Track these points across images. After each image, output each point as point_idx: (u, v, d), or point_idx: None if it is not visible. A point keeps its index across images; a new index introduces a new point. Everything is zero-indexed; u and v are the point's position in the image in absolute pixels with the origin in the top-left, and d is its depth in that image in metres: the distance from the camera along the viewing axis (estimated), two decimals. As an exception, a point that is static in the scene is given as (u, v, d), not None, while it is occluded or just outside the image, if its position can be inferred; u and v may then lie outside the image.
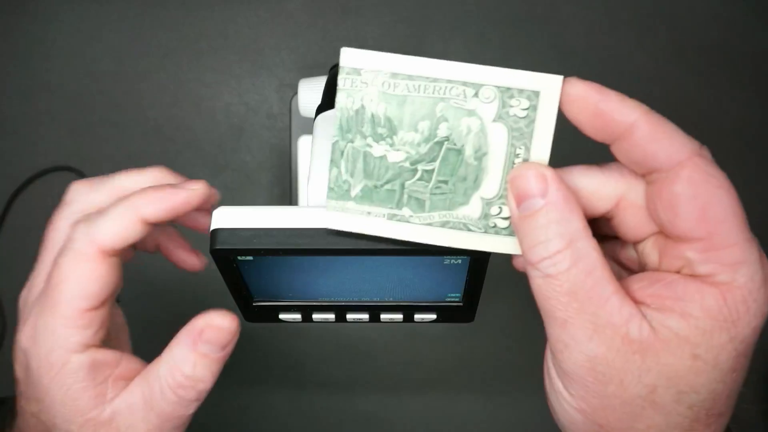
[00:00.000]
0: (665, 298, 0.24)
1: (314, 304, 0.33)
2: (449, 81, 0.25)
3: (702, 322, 0.23)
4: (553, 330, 0.24)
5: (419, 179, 0.26)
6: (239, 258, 0.29)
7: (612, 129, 0.24)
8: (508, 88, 0.25)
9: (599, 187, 0.26)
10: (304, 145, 0.53)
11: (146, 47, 0.55)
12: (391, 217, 0.27)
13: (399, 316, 0.34)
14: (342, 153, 0.26)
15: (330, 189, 0.26)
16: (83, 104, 0.56)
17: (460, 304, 0.33)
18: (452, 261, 0.29)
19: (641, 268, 0.26)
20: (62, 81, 0.55)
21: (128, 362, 0.29)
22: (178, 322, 0.59)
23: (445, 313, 0.34)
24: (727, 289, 0.23)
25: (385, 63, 0.25)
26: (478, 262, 0.29)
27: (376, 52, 0.25)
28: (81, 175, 0.55)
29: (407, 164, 0.26)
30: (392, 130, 0.25)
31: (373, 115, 0.25)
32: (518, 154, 0.25)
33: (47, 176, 0.55)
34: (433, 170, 0.26)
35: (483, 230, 0.27)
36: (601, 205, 0.26)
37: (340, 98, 0.25)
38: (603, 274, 0.23)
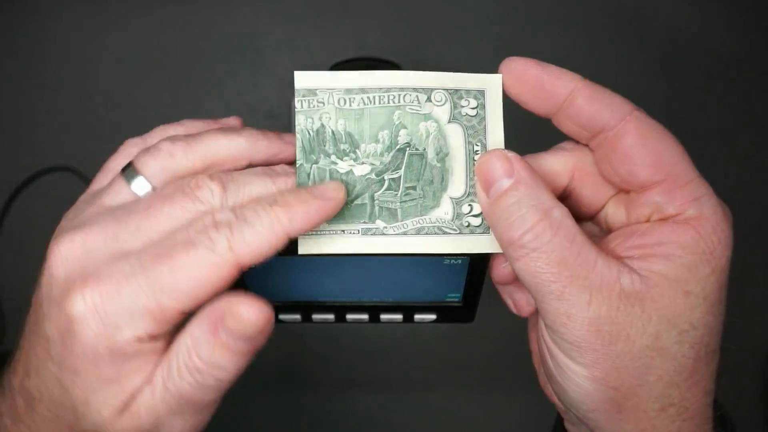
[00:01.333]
0: (645, 246, 0.25)
1: (314, 304, 0.33)
2: (401, 89, 0.26)
3: (685, 259, 0.24)
4: (550, 305, 0.24)
5: (387, 189, 0.26)
6: None
7: (555, 98, 0.26)
8: (456, 90, 0.26)
9: (552, 165, 0.27)
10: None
11: (146, 47, 0.55)
12: (366, 231, 0.27)
13: (399, 317, 0.34)
14: (308, 175, 0.26)
15: None
16: (83, 104, 0.55)
17: (460, 304, 0.33)
18: (452, 261, 0.29)
19: (606, 235, 0.27)
20: (62, 81, 0.55)
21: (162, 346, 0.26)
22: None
23: (445, 314, 0.34)
24: (698, 222, 0.25)
25: (338, 81, 0.26)
26: (478, 262, 0.29)
27: (329, 71, 0.26)
28: (80, 175, 0.55)
29: (374, 176, 0.26)
30: (354, 144, 0.26)
31: (333, 133, 0.26)
32: (476, 151, 0.27)
33: (46, 176, 0.55)
34: (399, 178, 0.26)
35: (458, 231, 0.27)
36: (558, 181, 0.27)
37: (299, 120, 0.26)
38: (583, 238, 0.24)
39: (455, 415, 0.53)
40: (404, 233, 0.27)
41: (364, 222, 0.26)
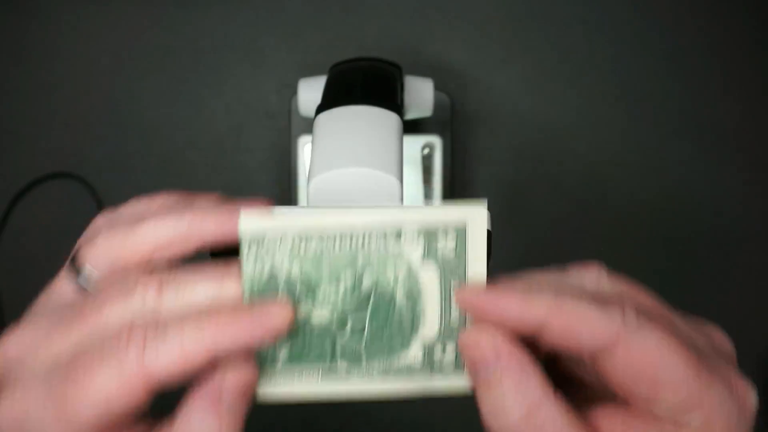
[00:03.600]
0: None
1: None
2: (366, 229, 0.23)
3: None
4: None
5: (351, 332, 0.24)
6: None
7: (525, 330, 0.23)
8: (431, 230, 0.24)
9: (529, 308, 0.23)
10: (304, 144, 0.53)
11: (146, 47, 0.55)
12: (326, 374, 0.24)
13: None
14: None
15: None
16: (83, 104, 0.55)
17: None
18: None
19: (597, 373, 0.24)
20: (62, 81, 0.55)
21: None
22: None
23: None
24: (699, 425, 0.22)
25: (290, 224, 0.23)
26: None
27: (279, 211, 0.23)
28: (82, 181, 0.55)
29: (335, 319, 0.24)
30: (311, 287, 0.24)
31: (287, 279, 0.23)
32: (453, 287, 0.24)
33: (48, 182, 0.55)
34: (364, 321, 0.24)
35: (429, 371, 0.25)
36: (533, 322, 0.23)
37: (246, 269, 0.23)
38: (572, 418, 0.22)
39: (456, 414, 0.53)
40: (369, 377, 0.24)
41: (324, 362, 0.24)
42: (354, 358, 0.24)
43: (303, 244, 0.24)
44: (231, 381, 0.22)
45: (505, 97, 0.55)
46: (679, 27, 0.55)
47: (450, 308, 0.24)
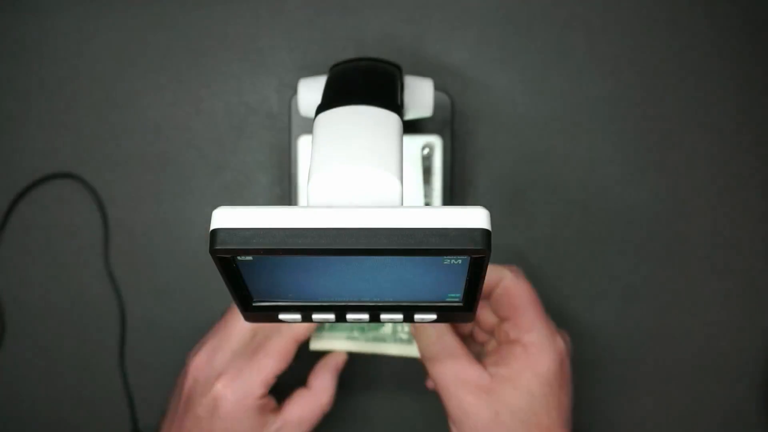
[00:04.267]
0: (498, 358, 0.42)
1: (314, 304, 0.33)
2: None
3: (515, 366, 0.40)
4: (444, 393, 0.42)
5: (360, 326, 0.49)
6: (239, 258, 0.29)
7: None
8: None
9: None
10: (304, 144, 0.53)
11: (146, 47, 0.55)
12: (348, 337, 0.49)
13: (399, 316, 0.34)
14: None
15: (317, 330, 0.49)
16: (82, 104, 0.56)
17: (460, 304, 0.33)
18: (452, 261, 0.29)
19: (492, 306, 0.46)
20: (62, 81, 0.55)
21: (272, 402, 0.46)
22: (179, 320, 0.59)
23: (445, 313, 0.34)
24: (528, 344, 0.41)
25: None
26: (478, 262, 0.29)
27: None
28: (82, 181, 0.55)
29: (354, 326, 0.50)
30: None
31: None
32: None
33: (49, 182, 0.56)
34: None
35: (394, 341, 0.49)
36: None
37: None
38: (461, 349, 0.42)
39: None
40: (368, 340, 0.49)
41: (347, 333, 0.49)
42: (361, 332, 0.49)
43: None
44: (337, 358, 0.49)
45: (505, 97, 0.55)
46: (679, 27, 0.55)
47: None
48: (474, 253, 0.28)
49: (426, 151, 0.52)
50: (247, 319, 0.34)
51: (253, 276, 0.31)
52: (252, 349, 0.44)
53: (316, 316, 0.34)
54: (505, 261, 0.50)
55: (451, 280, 0.31)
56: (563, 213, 0.56)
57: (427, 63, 0.55)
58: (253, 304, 0.33)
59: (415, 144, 0.52)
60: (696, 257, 0.56)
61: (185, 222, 0.56)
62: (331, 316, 0.34)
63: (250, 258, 0.29)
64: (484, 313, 0.46)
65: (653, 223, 0.56)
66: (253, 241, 0.27)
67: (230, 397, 0.43)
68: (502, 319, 0.43)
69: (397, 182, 0.31)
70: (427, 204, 0.53)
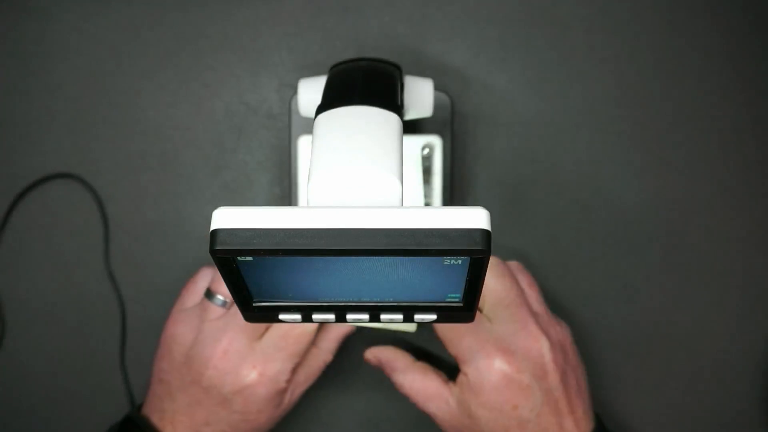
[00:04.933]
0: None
1: (314, 304, 0.33)
2: None
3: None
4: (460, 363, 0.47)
5: None
6: (239, 258, 0.29)
7: None
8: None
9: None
10: (304, 145, 0.53)
11: (146, 47, 0.55)
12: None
13: (399, 316, 0.34)
14: None
15: None
16: (82, 104, 0.56)
17: (461, 304, 0.33)
18: (452, 261, 0.29)
19: None
20: (62, 81, 0.55)
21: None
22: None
23: (446, 314, 0.34)
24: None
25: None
26: (477, 262, 0.29)
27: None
28: (82, 181, 0.55)
29: None
30: None
31: None
32: None
33: (49, 182, 0.56)
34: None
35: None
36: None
37: None
38: (430, 375, 0.49)
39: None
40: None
41: None
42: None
43: None
44: (347, 328, 0.52)
45: (505, 97, 0.55)
46: (679, 27, 0.55)
47: None
48: (474, 253, 0.28)
49: (426, 151, 0.52)
50: (248, 319, 0.34)
51: (253, 276, 0.31)
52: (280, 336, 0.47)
53: (316, 316, 0.34)
54: (505, 259, 0.50)
55: (452, 280, 0.31)
56: (563, 213, 0.56)
57: (427, 63, 0.55)
58: (254, 304, 0.33)
59: (415, 144, 0.52)
60: (696, 257, 0.56)
61: (185, 222, 0.56)
62: (331, 316, 0.34)
63: (250, 258, 0.29)
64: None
65: (653, 223, 0.56)
66: (253, 242, 0.27)
67: (266, 384, 0.46)
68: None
69: (397, 182, 0.31)
70: (427, 204, 0.53)
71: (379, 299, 0.33)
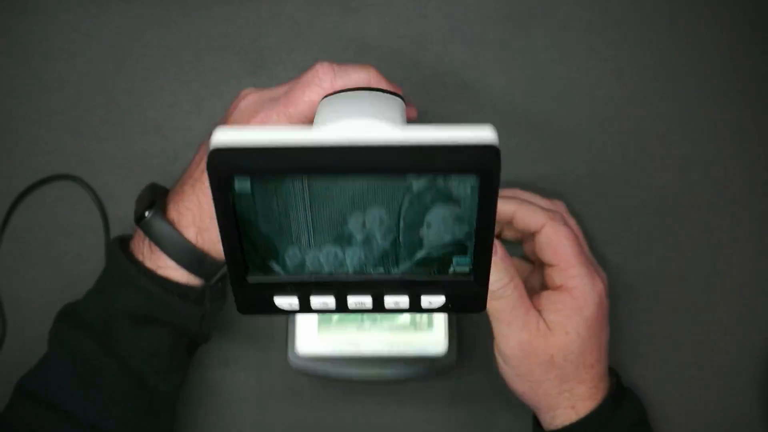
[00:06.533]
0: (548, 304, 0.44)
1: (313, 280, 0.32)
2: None
3: (565, 312, 0.44)
4: (500, 329, 0.44)
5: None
6: (236, 191, 0.28)
7: (506, 217, 0.47)
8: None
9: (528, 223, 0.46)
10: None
11: (146, 47, 0.55)
12: (359, 328, 0.49)
13: (405, 299, 0.32)
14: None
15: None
16: (82, 104, 0.56)
17: (471, 278, 0.31)
18: (460, 188, 0.28)
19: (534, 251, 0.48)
20: (62, 81, 0.56)
21: None
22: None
23: (455, 294, 0.32)
24: (573, 290, 0.44)
25: None
26: (487, 182, 0.27)
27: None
28: (81, 182, 0.55)
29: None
30: None
31: None
32: None
33: (49, 183, 0.56)
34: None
35: (415, 330, 0.50)
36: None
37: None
38: (526, 296, 0.43)
39: (455, 415, 0.53)
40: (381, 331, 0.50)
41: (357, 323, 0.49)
42: (372, 322, 0.49)
43: None
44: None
45: (505, 97, 0.55)
46: (679, 27, 0.55)
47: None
48: (483, 168, 0.26)
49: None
50: (241, 308, 0.33)
51: (249, 226, 0.29)
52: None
53: (314, 299, 0.32)
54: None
55: (459, 225, 0.29)
56: (563, 212, 0.56)
57: (427, 63, 0.55)
58: (248, 281, 0.31)
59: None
60: (696, 256, 0.56)
61: (185, 222, 0.56)
62: (331, 299, 0.32)
63: (248, 191, 0.28)
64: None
65: (653, 223, 0.56)
66: (254, 159, 0.26)
67: None
68: (547, 265, 0.46)
69: (401, 101, 0.33)
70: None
71: (381, 268, 0.31)
